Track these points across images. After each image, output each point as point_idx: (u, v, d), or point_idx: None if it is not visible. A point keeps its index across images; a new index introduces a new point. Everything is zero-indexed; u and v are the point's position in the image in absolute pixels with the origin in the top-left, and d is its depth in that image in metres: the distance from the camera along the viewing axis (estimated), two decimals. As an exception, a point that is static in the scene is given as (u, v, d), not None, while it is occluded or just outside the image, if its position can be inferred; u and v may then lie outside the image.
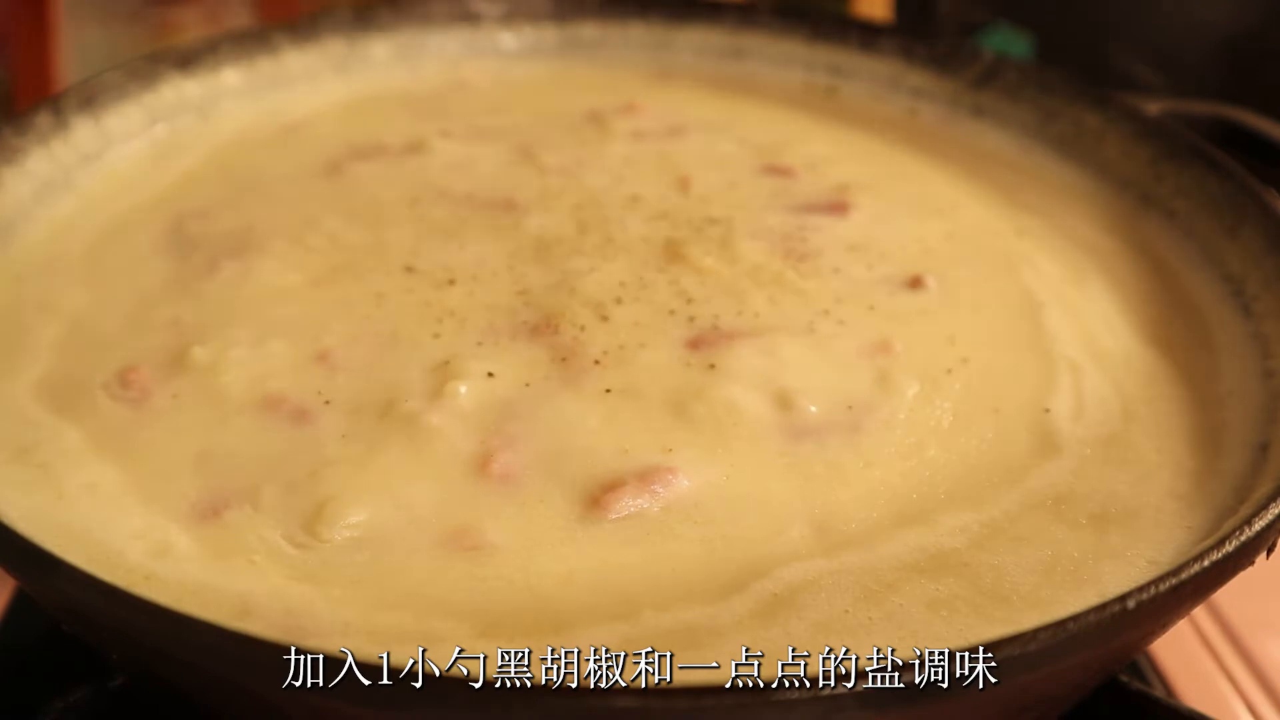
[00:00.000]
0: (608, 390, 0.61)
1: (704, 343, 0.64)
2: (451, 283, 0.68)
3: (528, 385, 0.61)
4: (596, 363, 0.62)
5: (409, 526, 0.54)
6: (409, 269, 0.70)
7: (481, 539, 0.54)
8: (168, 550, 0.54)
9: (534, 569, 0.53)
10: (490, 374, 0.62)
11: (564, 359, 0.62)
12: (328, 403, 0.60)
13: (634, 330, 0.65)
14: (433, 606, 0.51)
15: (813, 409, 0.61)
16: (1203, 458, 0.61)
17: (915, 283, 0.70)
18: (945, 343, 0.66)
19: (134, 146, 0.82)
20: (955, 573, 0.54)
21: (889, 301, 0.69)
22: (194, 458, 0.58)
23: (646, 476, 0.56)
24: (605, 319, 0.65)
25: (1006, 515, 0.57)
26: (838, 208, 0.77)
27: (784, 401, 0.61)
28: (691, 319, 0.66)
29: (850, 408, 0.61)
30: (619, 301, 0.67)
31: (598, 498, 0.55)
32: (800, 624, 0.51)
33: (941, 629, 0.51)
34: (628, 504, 0.55)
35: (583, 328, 0.64)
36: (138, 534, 0.55)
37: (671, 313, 0.66)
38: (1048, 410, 0.63)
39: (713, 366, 0.63)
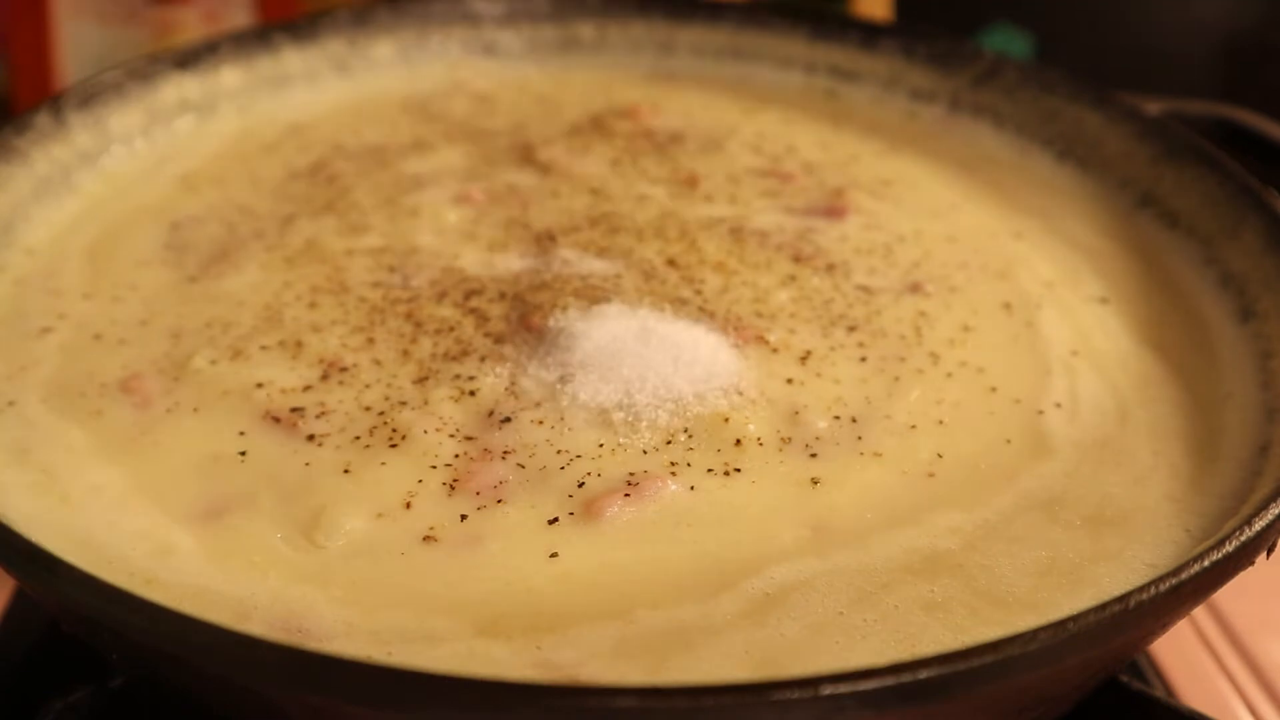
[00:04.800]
0: (603, 395, 0.61)
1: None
2: (443, 294, 0.68)
3: (523, 392, 0.61)
4: (593, 368, 0.62)
5: (406, 533, 0.55)
6: (407, 277, 0.70)
7: (478, 543, 0.54)
8: (170, 551, 0.54)
9: (530, 570, 0.53)
10: (487, 380, 0.62)
11: (562, 365, 0.62)
12: (322, 414, 0.60)
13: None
14: (432, 606, 0.51)
15: (811, 412, 0.61)
16: (1200, 460, 0.61)
17: (915, 288, 0.70)
18: (945, 345, 0.66)
19: (134, 147, 0.82)
20: (949, 574, 0.54)
21: (889, 306, 0.69)
22: (195, 463, 0.58)
23: (642, 482, 0.56)
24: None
25: (1001, 517, 0.57)
26: (836, 211, 0.77)
27: (782, 405, 0.61)
28: (694, 322, 0.66)
29: (848, 411, 0.61)
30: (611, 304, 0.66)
31: (591, 502, 0.55)
32: (794, 625, 0.51)
33: (938, 632, 0.51)
34: (621, 509, 0.55)
35: (577, 334, 0.64)
36: (141, 535, 0.55)
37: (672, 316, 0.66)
38: (1041, 412, 0.63)
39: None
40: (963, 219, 0.78)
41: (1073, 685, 0.53)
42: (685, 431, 0.59)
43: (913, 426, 0.61)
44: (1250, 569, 0.50)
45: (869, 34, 0.92)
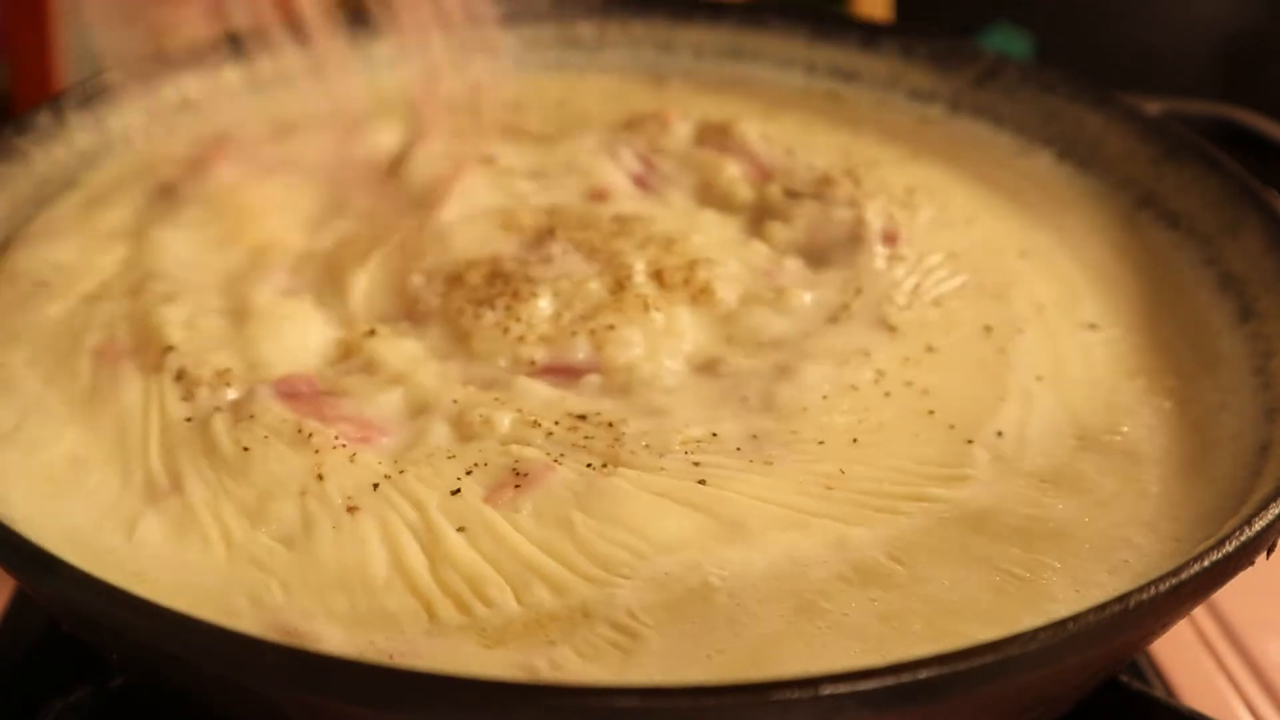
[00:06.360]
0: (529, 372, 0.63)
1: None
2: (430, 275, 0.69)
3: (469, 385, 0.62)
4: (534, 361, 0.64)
5: (338, 525, 0.55)
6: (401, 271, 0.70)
7: (396, 534, 0.55)
8: (134, 525, 0.55)
9: (454, 547, 0.54)
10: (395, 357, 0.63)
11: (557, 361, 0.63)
12: (256, 388, 0.61)
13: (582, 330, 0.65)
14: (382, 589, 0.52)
15: (698, 425, 0.60)
16: (1184, 478, 0.60)
17: (898, 305, 0.69)
18: (897, 363, 0.65)
19: (134, 147, 0.82)
20: (881, 584, 0.53)
21: (856, 326, 0.67)
22: (158, 433, 0.59)
23: (530, 472, 0.57)
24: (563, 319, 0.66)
25: (920, 530, 0.56)
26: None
27: (675, 416, 0.61)
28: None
29: (750, 425, 0.61)
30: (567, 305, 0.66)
31: (493, 492, 0.56)
32: (746, 628, 0.51)
33: (894, 640, 0.51)
34: (519, 498, 0.56)
35: (521, 337, 0.65)
36: (109, 509, 0.56)
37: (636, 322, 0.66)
38: (971, 441, 0.61)
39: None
40: (973, 233, 0.76)
41: (1073, 685, 0.53)
42: (555, 423, 0.60)
43: (820, 442, 0.60)
44: (1250, 569, 0.50)
45: (869, 34, 0.92)
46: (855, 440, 0.60)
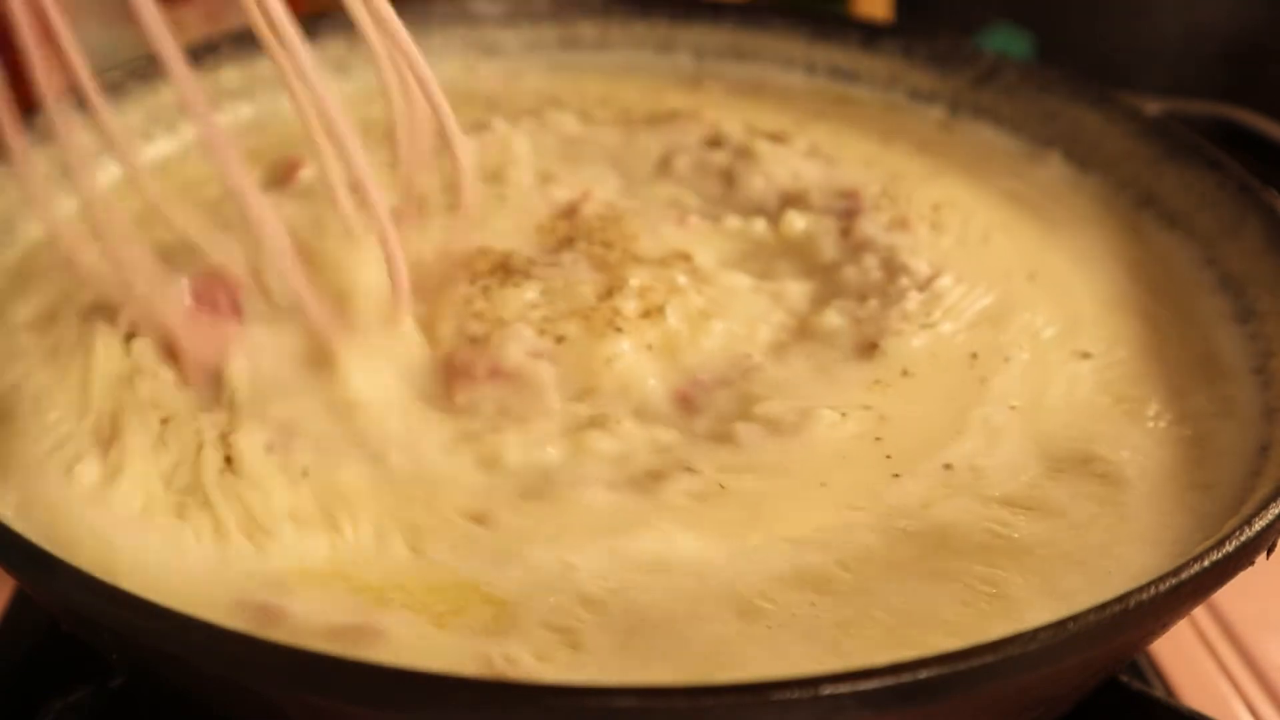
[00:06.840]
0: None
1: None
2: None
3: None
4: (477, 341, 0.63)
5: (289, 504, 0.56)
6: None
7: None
8: (72, 466, 0.56)
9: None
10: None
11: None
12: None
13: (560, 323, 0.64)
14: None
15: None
16: (1171, 496, 0.59)
17: (883, 329, 0.66)
18: (861, 388, 0.63)
19: (133, 146, 0.82)
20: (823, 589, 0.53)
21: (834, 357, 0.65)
22: (110, 387, 0.60)
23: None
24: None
25: (885, 548, 0.55)
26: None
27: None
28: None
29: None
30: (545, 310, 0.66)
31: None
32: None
33: (853, 645, 0.50)
34: None
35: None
36: (57, 445, 0.57)
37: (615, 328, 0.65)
38: (898, 476, 0.58)
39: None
40: (985, 254, 0.73)
41: (1073, 685, 0.53)
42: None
43: (721, 486, 0.57)
44: (1250, 569, 0.50)
45: (869, 34, 0.92)
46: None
